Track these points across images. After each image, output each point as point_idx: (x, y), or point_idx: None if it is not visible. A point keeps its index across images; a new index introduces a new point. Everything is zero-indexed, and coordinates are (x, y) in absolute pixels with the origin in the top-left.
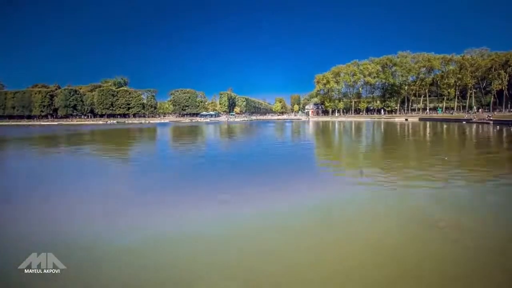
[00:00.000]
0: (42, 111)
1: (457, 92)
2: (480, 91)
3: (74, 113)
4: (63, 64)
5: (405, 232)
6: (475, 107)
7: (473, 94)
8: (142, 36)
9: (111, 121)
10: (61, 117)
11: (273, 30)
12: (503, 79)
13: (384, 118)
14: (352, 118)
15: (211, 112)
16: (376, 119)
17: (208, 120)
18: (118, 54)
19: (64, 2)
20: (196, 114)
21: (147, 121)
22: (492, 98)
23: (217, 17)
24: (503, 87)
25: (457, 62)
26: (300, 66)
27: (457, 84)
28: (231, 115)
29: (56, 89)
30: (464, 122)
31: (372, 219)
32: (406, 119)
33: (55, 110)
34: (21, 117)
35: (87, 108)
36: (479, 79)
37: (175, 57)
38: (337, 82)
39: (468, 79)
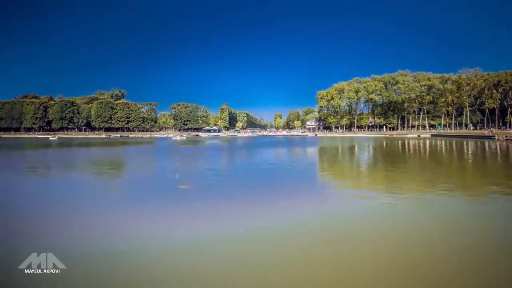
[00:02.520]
0: (34, 123)
1: (454, 110)
2: (473, 110)
3: (70, 126)
4: (53, 75)
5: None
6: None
7: (468, 112)
8: (138, 49)
9: (114, 135)
10: (55, 130)
11: (267, 44)
12: (496, 98)
13: (396, 135)
14: (361, 134)
15: (215, 127)
16: (388, 135)
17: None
18: (113, 66)
19: (56, 12)
20: (197, 129)
21: (153, 135)
22: (486, 116)
23: (214, 31)
24: (496, 106)
25: (454, 82)
26: (296, 83)
27: (454, 102)
28: (235, 130)
29: (48, 101)
30: (489, 139)
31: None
32: (419, 135)
33: (49, 122)
34: (8, 129)
35: (83, 121)
36: (473, 98)
37: (172, 71)
38: (341, 99)
39: (465, 98)
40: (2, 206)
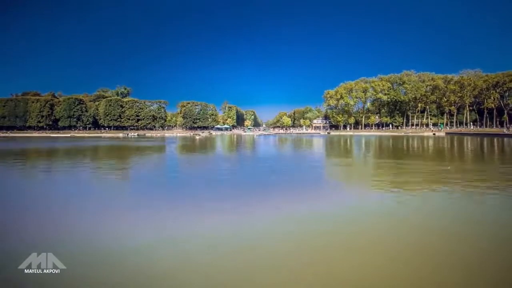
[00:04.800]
0: (39, 121)
1: (456, 110)
2: (473, 109)
3: (78, 125)
4: (49, 72)
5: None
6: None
7: (468, 112)
8: (138, 47)
9: (132, 134)
10: (61, 129)
11: (266, 43)
12: (495, 99)
13: (411, 133)
14: (376, 133)
15: (226, 126)
16: (403, 133)
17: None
18: (112, 64)
19: (55, 8)
20: (206, 127)
21: (168, 133)
22: (485, 115)
23: (217, 28)
24: (494, 106)
25: (456, 82)
26: (295, 82)
27: (456, 102)
28: (248, 129)
29: (52, 98)
30: (509, 137)
31: None
32: (434, 133)
33: (56, 120)
34: (11, 128)
35: (90, 119)
36: (473, 98)
37: (174, 69)
38: (350, 98)
39: (467, 97)
40: (2, 206)
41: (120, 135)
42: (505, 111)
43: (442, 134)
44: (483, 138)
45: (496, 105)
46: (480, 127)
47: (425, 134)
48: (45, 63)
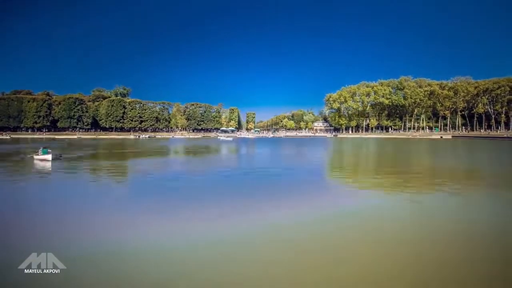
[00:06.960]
0: (36, 122)
1: (449, 114)
2: (464, 114)
3: (79, 125)
4: (41, 70)
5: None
6: None
7: (459, 116)
8: (138, 46)
9: (143, 136)
10: (60, 130)
11: (266, 47)
12: (485, 104)
13: (419, 136)
14: (382, 136)
15: (232, 128)
16: (410, 136)
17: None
18: (109, 63)
19: (49, 7)
20: (209, 130)
21: (175, 136)
22: (475, 120)
23: (212, 31)
24: (484, 111)
25: (451, 88)
26: (293, 84)
27: (450, 107)
28: (256, 131)
29: (49, 98)
30: None
31: None
32: (441, 137)
33: (54, 121)
34: (3, 129)
35: (89, 120)
36: (465, 103)
37: (173, 69)
38: (353, 101)
39: (460, 103)
40: (3, 206)
41: (131, 136)
42: (493, 116)
43: (449, 137)
44: (502, 142)
45: (485, 111)
46: (471, 130)
47: (433, 137)
48: (38, 61)
